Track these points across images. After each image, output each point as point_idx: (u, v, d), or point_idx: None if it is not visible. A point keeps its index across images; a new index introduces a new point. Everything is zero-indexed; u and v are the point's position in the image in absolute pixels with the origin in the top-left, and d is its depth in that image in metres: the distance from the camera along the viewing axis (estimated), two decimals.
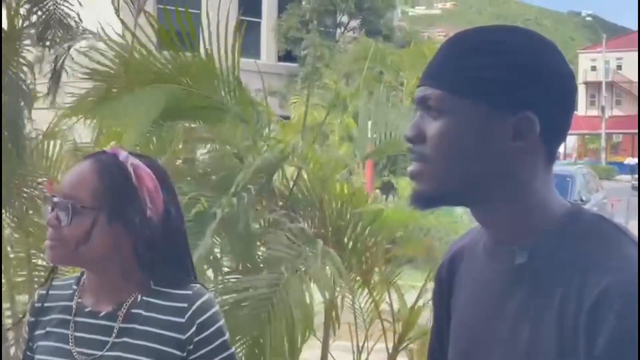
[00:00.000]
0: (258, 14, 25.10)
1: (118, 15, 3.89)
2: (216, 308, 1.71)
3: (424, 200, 1.21)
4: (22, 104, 3.85)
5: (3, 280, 3.84)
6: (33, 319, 1.77)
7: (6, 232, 3.93)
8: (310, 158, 3.45)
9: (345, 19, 26.77)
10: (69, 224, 1.62)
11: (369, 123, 3.96)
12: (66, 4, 4.03)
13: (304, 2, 26.04)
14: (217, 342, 1.68)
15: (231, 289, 3.16)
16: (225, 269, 3.37)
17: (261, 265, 3.28)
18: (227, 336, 1.71)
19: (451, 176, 1.18)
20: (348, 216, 3.49)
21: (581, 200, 12.66)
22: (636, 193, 29.05)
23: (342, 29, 26.94)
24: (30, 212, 3.88)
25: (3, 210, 3.87)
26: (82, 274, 1.77)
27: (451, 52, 1.19)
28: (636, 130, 48.07)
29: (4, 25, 3.90)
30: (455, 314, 1.32)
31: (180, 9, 3.45)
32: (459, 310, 1.31)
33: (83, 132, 4.22)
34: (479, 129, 1.15)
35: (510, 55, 1.15)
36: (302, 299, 2.94)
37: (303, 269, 3.03)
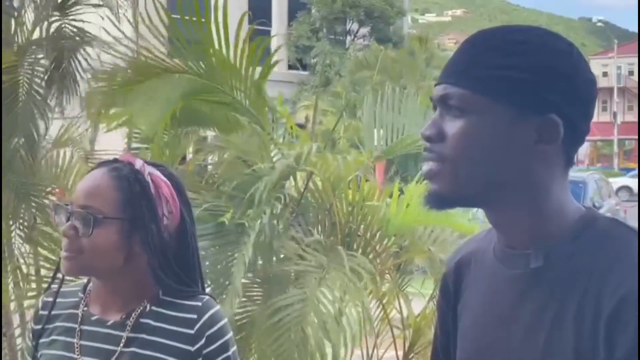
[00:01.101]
0: (268, 23, 25.16)
1: (118, 20, 3.90)
2: (225, 320, 1.68)
3: (441, 200, 1.18)
4: (35, 113, 3.85)
5: (13, 294, 3.82)
6: (39, 327, 1.73)
7: (15, 242, 3.91)
8: (322, 164, 3.43)
9: (355, 26, 26.80)
10: (89, 235, 1.59)
11: (375, 126, 3.94)
12: (73, 18, 4.04)
13: (314, 10, 26.08)
14: (224, 355, 1.65)
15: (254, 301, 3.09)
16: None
17: (281, 279, 3.22)
18: (231, 351, 1.67)
19: (470, 177, 1.15)
20: (359, 219, 3.47)
21: (594, 206, 12.59)
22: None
23: (352, 36, 26.96)
24: (40, 222, 3.86)
25: (12, 221, 3.86)
26: (88, 281, 1.74)
27: (474, 51, 1.17)
28: None
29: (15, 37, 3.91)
30: (464, 320, 1.29)
31: (188, 17, 3.44)
32: (468, 315, 1.28)
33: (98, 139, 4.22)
34: (503, 130, 1.13)
35: (536, 56, 1.13)
36: (329, 313, 2.87)
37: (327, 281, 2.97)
